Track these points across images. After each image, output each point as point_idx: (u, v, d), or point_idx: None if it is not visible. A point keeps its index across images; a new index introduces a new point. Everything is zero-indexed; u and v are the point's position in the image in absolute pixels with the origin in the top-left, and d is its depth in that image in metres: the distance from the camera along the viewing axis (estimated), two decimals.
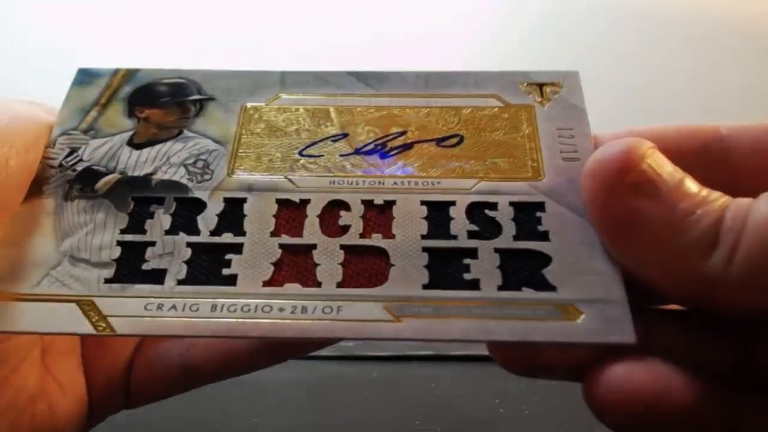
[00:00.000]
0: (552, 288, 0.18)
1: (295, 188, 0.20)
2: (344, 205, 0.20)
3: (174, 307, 0.18)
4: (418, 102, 0.22)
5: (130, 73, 0.23)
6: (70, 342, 0.23)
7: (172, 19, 0.56)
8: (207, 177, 0.20)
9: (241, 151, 0.21)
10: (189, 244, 0.19)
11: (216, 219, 0.20)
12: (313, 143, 0.21)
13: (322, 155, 0.21)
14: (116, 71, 0.23)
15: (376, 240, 0.19)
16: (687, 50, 0.51)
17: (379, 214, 0.20)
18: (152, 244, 0.19)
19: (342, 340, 0.19)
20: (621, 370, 0.16)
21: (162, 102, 0.22)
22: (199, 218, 0.20)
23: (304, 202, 0.20)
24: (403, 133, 0.21)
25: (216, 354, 0.23)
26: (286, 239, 0.19)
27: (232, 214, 0.20)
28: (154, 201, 0.20)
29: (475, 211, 0.19)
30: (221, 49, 0.51)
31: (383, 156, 0.21)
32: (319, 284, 0.18)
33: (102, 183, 0.20)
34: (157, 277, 0.18)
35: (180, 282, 0.18)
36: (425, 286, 0.18)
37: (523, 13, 0.56)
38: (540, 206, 0.19)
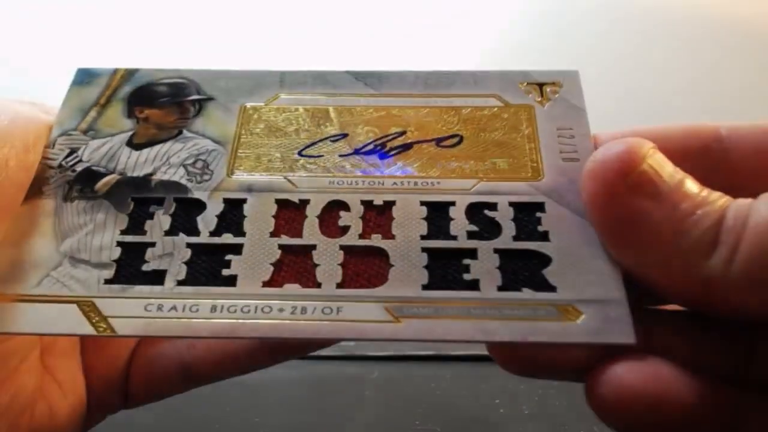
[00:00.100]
0: (552, 288, 0.18)
1: (295, 189, 0.20)
2: (344, 206, 0.20)
3: (174, 307, 0.18)
4: (418, 102, 0.22)
5: (129, 73, 0.23)
6: (69, 342, 0.23)
7: (171, 19, 0.56)
8: (206, 177, 0.20)
9: (240, 151, 0.21)
10: (189, 245, 0.19)
11: (216, 219, 0.20)
12: (313, 143, 0.21)
13: (322, 155, 0.21)
14: (115, 71, 0.23)
15: (376, 240, 0.19)
16: (687, 50, 0.51)
17: (378, 215, 0.20)
18: (152, 244, 0.19)
19: (342, 341, 0.19)
20: (622, 370, 0.16)
21: (161, 102, 0.22)
22: (199, 219, 0.20)
23: (304, 203, 0.20)
24: (403, 133, 0.21)
25: (215, 354, 0.23)
26: (285, 240, 0.19)
27: (232, 215, 0.20)
28: (154, 201, 0.20)
29: (474, 211, 0.19)
30: (220, 49, 0.51)
31: (383, 156, 0.21)
32: (318, 285, 0.18)
33: (102, 184, 0.20)
34: (157, 277, 0.18)
35: (180, 283, 0.18)
36: (425, 287, 0.18)
37: (523, 13, 0.56)
38: (540, 206, 0.19)
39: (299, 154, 0.21)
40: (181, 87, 0.23)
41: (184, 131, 0.22)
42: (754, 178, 0.18)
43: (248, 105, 0.22)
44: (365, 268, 0.19)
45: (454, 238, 0.19)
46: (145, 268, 0.19)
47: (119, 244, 0.19)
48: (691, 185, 0.17)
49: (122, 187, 0.20)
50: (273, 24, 0.55)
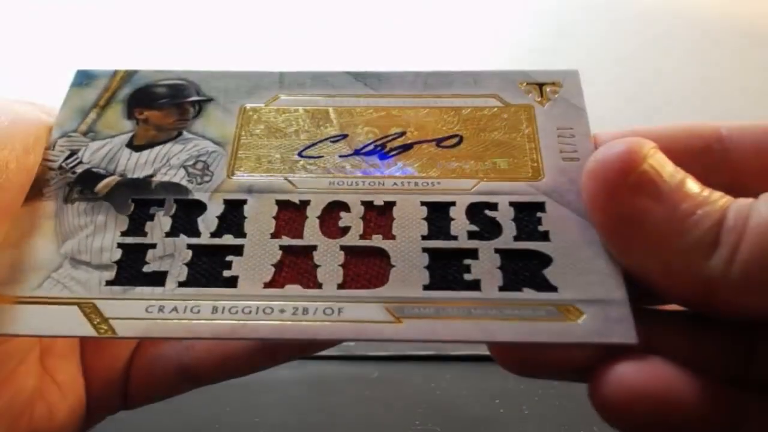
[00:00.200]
0: (553, 288, 0.18)
1: (295, 189, 0.20)
2: (344, 206, 0.20)
3: (175, 309, 0.18)
4: (418, 102, 0.22)
5: (128, 75, 0.23)
6: (69, 343, 0.23)
7: (170, 20, 0.56)
8: (207, 178, 0.20)
9: (240, 152, 0.21)
10: (189, 246, 0.19)
11: (216, 221, 0.19)
12: (313, 144, 0.21)
13: (322, 156, 0.21)
14: (115, 72, 0.23)
15: (377, 241, 0.19)
16: (687, 50, 0.51)
17: (379, 215, 0.20)
18: (153, 246, 0.19)
19: (343, 342, 0.19)
20: (627, 370, 0.16)
21: (161, 103, 0.22)
22: (200, 220, 0.20)
23: (304, 204, 0.20)
24: (403, 133, 0.21)
25: (215, 356, 0.23)
26: (286, 241, 0.19)
27: (233, 216, 0.20)
28: (155, 203, 0.20)
29: (475, 211, 0.19)
30: (220, 50, 0.51)
31: (383, 157, 0.21)
32: (319, 285, 0.18)
33: (102, 185, 0.20)
34: (158, 279, 0.18)
35: (181, 284, 0.18)
36: (426, 287, 0.18)
37: (523, 13, 0.56)
38: (540, 206, 0.19)
39: (299, 154, 0.21)
40: (180, 88, 0.23)
41: (184, 132, 0.22)
42: (755, 178, 0.18)
43: (248, 106, 0.22)
44: (366, 268, 0.19)
45: (455, 238, 0.19)
46: (145, 269, 0.19)
47: (120, 245, 0.19)
48: (692, 185, 0.17)
49: (122, 189, 0.20)
50: (272, 24, 0.55)
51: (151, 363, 0.23)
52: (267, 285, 0.18)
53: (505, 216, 0.19)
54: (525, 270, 0.18)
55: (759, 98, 0.47)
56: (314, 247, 0.19)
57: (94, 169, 0.21)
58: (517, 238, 0.19)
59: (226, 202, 0.20)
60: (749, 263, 0.15)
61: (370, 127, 0.22)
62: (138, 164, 0.21)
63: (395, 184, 0.20)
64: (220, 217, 0.20)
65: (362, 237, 0.19)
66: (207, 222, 0.19)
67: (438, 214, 0.19)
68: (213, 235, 0.19)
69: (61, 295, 0.18)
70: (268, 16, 0.56)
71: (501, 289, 0.18)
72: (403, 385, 0.31)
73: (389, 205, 0.20)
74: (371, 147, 0.21)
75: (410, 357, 0.33)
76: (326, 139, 0.21)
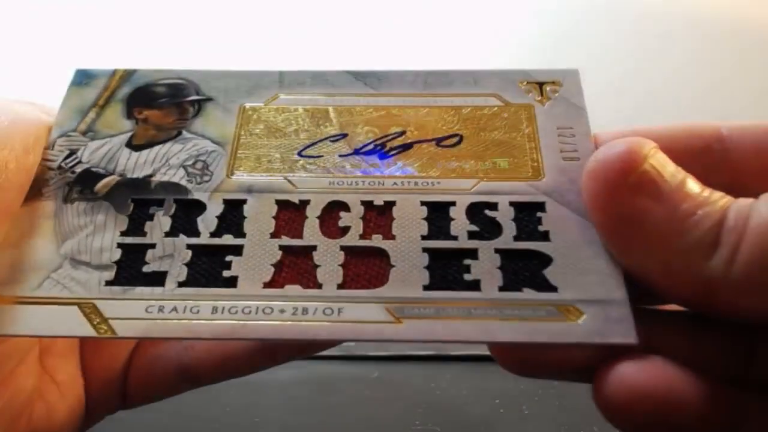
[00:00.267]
0: (553, 288, 0.18)
1: (295, 189, 0.20)
2: (344, 206, 0.20)
3: (175, 309, 0.18)
4: (418, 101, 0.22)
5: (128, 74, 0.23)
6: (68, 343, 0.23)
7: (170, 20, 0.56)
8: (206, 178, 0.20)
9: (240, 152, 0.21)
10: (189, 246, 0.19)
11: (216, 220, 0.19)
12: (313, 144, 0.21)
13: (322, 156, 0.21)
14: (114, 72, 0.23)
15: (377, 241, 0.19)
16: (687, 50, 0.51)
17: (379, 215, 0.20)
18: (152, 246, 0.19)
19: (343, 342, 0.19)
20: (630, 370, 0.16)
21: (160, 103, 0.22)
22: (199, 220, 0.20)
23: (304, 203, 0.20)
24: (403, 133, 0.21)
25: (214, 356, 0.23)
26: (286, 241, 0.19)
27: (232, 216, 0.20)
28: (154, 203, 0.20)
29: (475, 211, 0.19)
30: (219, 50, 0.51)
31: (383, 156, 0.21)
32: (319, 286, 0.18)
33: (101, 185, 0.20)
34: (157, 279, 0.18)
35: (180, 284, 0.18)
36: (426, 287, 0.18)
37: (523, 13, 0.56)
38: (540, 206, 0.19)
39: (299, 154, 0.21)
40: (180, 88, 0.23)
41: (184, 132, 0.22)
42: (756, 178, 0.18)
43: (247, 105, 0.22)
44: (366, 268, 0.18)
45: (455, 238, 0.19)
46: (145, 269, 0.19)
47: (119, 245, 0.19)
48: (693, 185, 0.17)
49: (122, 189, 0.20)
50: (272, 24, 0.55)
51: (151, 363, 0.23)
52: (267, 285, 0.18)
53: (505, 216, 0.19)
54: (525, 270, 0.18)
55: (759, 98, 0.47)
56: (314, 247, 0.19)
57: (94, 169, 0.21)
58: (517, 238, 0.19)
59: (226, 201, 0.20)
60: (749, 263, 0.15)
61: (370, 126, 0.22)
62: (137, 164, 0.21)
63: (395, 183, 0.20)
64: (220, 217, 0.20)
65: (362, 237, 0.19)
66: (206, 222, 0.19)
67: (438, 214, 0.19)
68: (212, 235, 0.19)
69: (61, 296, 0.18)
70: (268, 15, 0.56)
71: (501, 289, 0.18)
72: (403, 385, 0.31)
73: (389, 205, 0.20)
74: (371, 146, 0.21)
75: (410, 357, 0.33)
76: (326, 138, 0.21)
